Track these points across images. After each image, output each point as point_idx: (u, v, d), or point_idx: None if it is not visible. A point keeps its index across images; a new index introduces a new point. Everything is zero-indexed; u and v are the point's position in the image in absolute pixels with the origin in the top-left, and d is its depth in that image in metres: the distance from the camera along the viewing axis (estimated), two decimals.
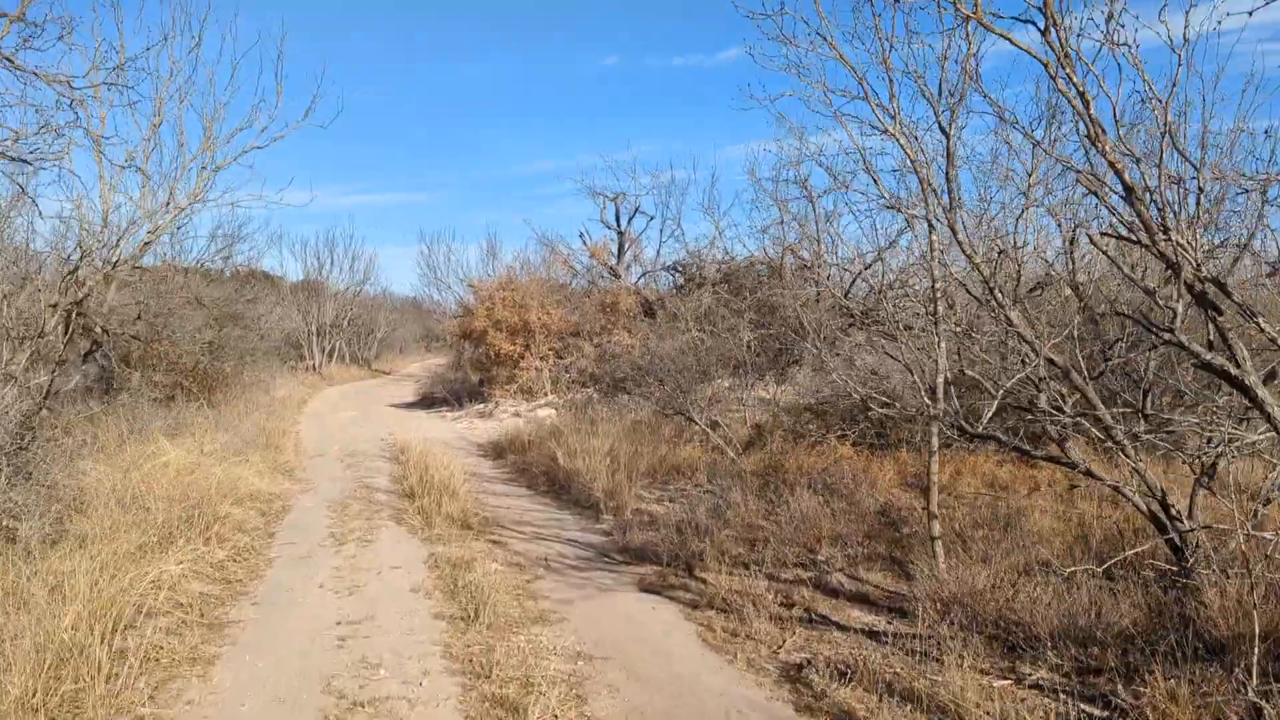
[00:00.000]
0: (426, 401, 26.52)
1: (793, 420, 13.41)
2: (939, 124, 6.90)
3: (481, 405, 22.64)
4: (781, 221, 19.21)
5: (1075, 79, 4.66)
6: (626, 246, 24.71)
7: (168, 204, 10.73)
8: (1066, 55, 4.68)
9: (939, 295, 6.44)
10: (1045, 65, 4.78)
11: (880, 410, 8.66)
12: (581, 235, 25.39)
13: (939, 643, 5.57)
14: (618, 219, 25.02)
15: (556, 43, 77.86)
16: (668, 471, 12.20)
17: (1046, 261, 7.88)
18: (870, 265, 16.24)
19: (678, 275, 23.36)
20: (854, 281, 15.33)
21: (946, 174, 6.88)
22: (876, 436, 12.42)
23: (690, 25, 74.30)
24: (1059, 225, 6.94)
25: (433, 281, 35.23)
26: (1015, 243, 8.10)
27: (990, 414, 5.74)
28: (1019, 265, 9.38)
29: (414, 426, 20.32)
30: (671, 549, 8.20)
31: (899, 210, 6.50)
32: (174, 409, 15.89)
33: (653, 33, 74.70)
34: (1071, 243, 7.14)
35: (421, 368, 41.89)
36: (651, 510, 10.29)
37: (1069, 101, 4.65)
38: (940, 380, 6.47)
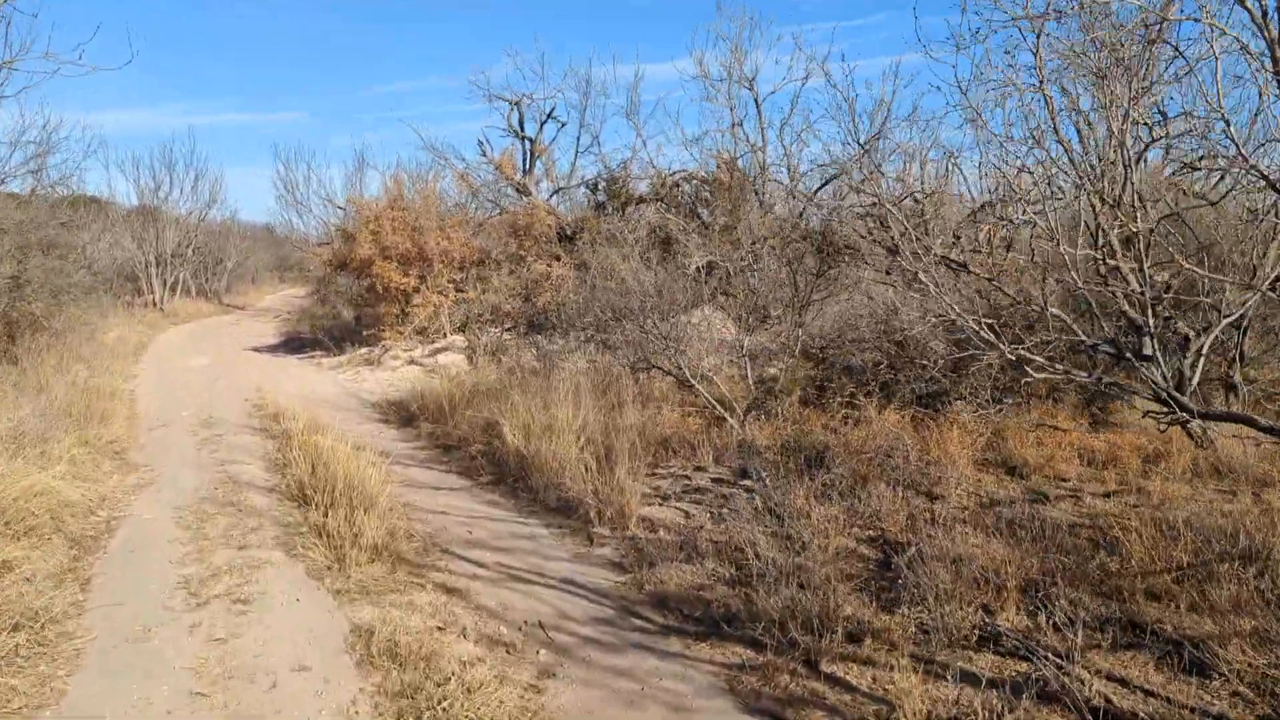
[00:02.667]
0: (294, 343, 22.25)
1: (800, 374, 10.51)
2: None
3: (367, 350, 18.73)
4: (730, 128, 16.06)
5: None
6: (536, 158, 20.79)
7: None
8: None
9: None
10: None
11: (1035, 376, 5.83)
12: (481, 145, 21.17)
13: None
14: (522, 125, 21.03)
15: None
16: (654, 448, 9.08)
17: None
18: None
19: (599, 193, 19.76)
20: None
21: None
22: (915, 396, 9.69)
23: None
24: None
25: (291, 204, 30.13)
26: None
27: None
28: None
29: (285, 378, 16.39)
30: (754, 611, 5.17)
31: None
32: None
33: None
34: None
35: (279, 300, 37.11)
36: (664, 519, 7.22)
37: None
38: None
